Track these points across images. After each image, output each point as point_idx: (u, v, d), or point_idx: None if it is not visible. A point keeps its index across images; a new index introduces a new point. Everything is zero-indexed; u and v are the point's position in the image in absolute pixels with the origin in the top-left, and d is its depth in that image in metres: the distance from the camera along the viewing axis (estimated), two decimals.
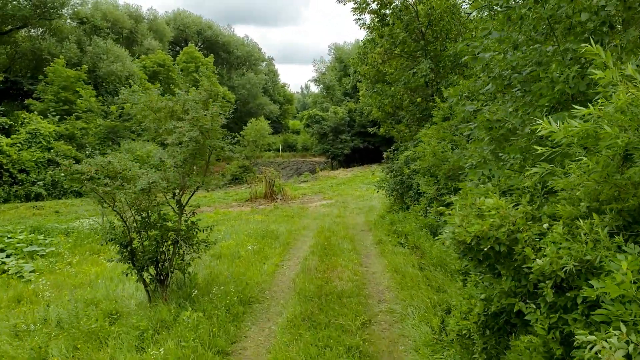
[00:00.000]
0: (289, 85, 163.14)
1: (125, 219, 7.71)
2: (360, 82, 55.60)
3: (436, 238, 9.07)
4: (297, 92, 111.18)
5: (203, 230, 8.87)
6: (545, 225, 3.69)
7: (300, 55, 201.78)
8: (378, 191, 18.27)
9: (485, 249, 3.80)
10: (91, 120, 35.72)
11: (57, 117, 34.34)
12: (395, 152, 17.91)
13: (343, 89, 60.25)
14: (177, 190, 8.50)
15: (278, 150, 61.57)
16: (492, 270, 4.20)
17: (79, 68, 38.66)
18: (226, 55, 74.79)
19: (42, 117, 33.69)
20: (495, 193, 4.61)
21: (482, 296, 4.70)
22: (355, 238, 14.34)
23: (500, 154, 5.22)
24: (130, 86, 41.05)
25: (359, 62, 17.67)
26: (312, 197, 28.75)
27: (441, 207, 4.97)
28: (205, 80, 53.87)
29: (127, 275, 7.98)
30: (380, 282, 9.40)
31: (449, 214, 4.62)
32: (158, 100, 8.69)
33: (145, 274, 8.27)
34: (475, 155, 5.26)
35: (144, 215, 8.11)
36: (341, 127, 50.59)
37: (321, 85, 68.26)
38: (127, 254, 7.86)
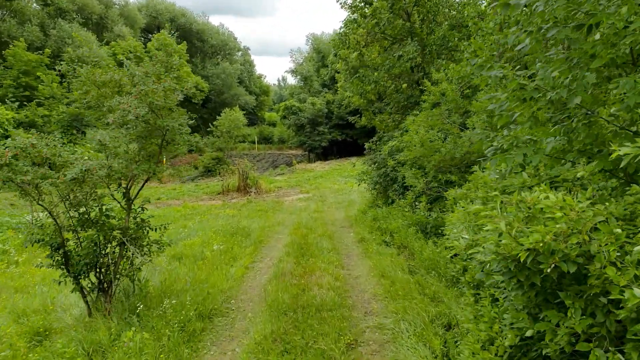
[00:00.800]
0: (266, 76, 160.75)
1: (55, 215, 6.24)
2: (338, 73, 54.27)
3: (445, 239, 7.84)
4: (274, 85, 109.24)
5: (156, 229, 7.44)
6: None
7: (276, 48, 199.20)
8: (359, 184, 17.02)
9: (548, 270, 2.52)
10: (54, 107, 33.55)
11: (17, 103, 32.07)
12: (378, 142, 16.67)
13: (321, 80, 58.82)
14: (124, 181, 7.05)
15: (253, 142, 59.92)
16: (544, 295, 2.94)
17: (41, 52, 36.36)
18: (200, 44, 72.52)
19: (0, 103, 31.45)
20: (538, 185, 3.37)
21: (517, 325, 3.44)
22: (334, 235, 13.05)
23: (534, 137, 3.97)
24: None
25: (340, 44, 16.37)
26: (289, 190, 27.38)
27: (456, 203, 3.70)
28: (161, 53, 51.70)
29: (60, 283, 6.51)
30: (366, 288, 8.13)
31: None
32: (102, 72, 7.21)
33: (85, 282, 6.84)
34: (508, 137, 3.99)
35: (81, 210, 6.65)
36: (319, 118, 49.20)
37: (298, 77, 66.67)
38: (59, 258, 6.40)
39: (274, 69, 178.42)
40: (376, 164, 14.87)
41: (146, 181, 7.37)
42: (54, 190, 6.16)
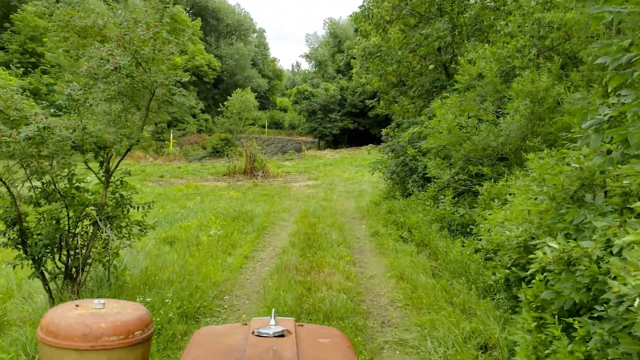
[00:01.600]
0: (279, 60, 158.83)
1: (9, 182, 5.08)
2: (354, 58, 52.70)
3: (475, 238, 6.62)
4: (288, 70, 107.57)
5: (138, 208, 6.28)
6: None
7: (292, 35, 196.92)
8: (373, 173, 15.78)
9: None
10: (60, 76, 32.38)
11: (22, 69, 30.98)
12: (397, 129, 15.41)
13: (336, 66, 57.34)
14: (101, 149, 5.88)
15: (264, 126, 58.75)
16: None
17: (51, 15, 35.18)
18: (215, 23, 71.11)
19: (4, 68, 30.42)
20: None
21: None
22: (345, 227, 11.87)
23: None
24: None
25: (362, 19, 15.04)
26: (297, 176, 26.21)
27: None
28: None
29: (14, 267, 5.37)
30: (382, 291, 6.95)
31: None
32: (83, 16, 5.99)
33: (51, 265, 5.70)
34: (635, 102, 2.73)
35: (45, 180, 5.50)
36: (331, 105, 47.85)
37: (313, 62, 65.17)
38: (14, 235, 5.26)
39: (288, 55, 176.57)
40: (394, 152, 13.63)
41: (128, 150, 6.18)
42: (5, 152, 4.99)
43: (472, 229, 8.30)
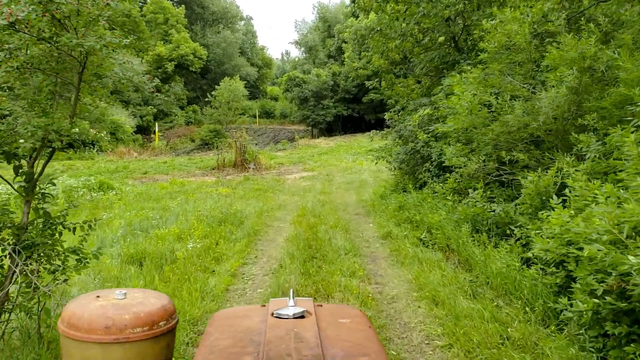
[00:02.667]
0: (268, 48, 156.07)
1: None
2: (346, 42, 50.76)
3: (522, 244, 4.98)
4: (277, 59, 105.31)
5: (74, 230, 4.56)
6: None
7: (281, 22, 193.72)
8: (376, 162, 14.10)
9: None
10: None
11: None
12: (401, 112, 13.74)
13: (327, 51, 55.36)
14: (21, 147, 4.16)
15: (254, 116, 56.89)
16: None
17: None
18: (200, 11, 68.75)
19: None
20: None
21: None
22: (350, 227, 10.23)
23: None
24: None
25: None
26: (291, 167, 24.52)
27: None
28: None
29: None
30: (411, 321, 5.32)
31: None
32: None
33: None
34: None
35: None
36: (324, 91, 45.96)
37: (302, 48, 63.15)
38: None
39: (277, 44, 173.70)
40: (402, 138, 11.96)
41: (53, 151, 4.47)
42: None
43: (513, 230, 6.70)
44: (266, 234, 9.84)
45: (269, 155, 28.99)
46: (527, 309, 5.21)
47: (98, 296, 1.86)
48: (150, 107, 42.27)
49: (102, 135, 28.41)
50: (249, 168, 23.17)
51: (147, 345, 1.74)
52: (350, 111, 47.16)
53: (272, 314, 2.20)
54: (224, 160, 23.51)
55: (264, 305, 2.39)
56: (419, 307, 5.66)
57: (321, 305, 2.44)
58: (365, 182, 18.21)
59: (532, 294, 5.33)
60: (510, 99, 8.01)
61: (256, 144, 44.81)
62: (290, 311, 2.19)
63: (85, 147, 26.92)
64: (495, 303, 5.56)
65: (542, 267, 5.47)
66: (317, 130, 47.66)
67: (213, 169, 23.58)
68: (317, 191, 16.77)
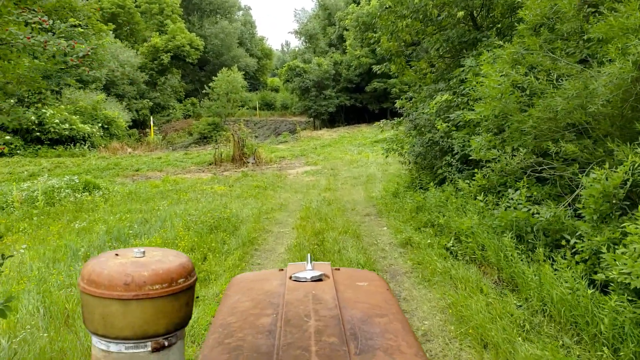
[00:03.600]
0: (268, 38, 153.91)
1: None
2: (347, 30, 49.10)
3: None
4: (277, 50, 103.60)
5: None
6: None
7: (280, 13, 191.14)
8: (387, 156, 12.72)
9: None
10: (14, 57, 28.90)
11: None
12: (413, 99, 12.36)
13: (327, 40, 53.71)
14: None
15: (255, 108, 55.43)
16: None
17: None
18: (197, 1, 67.12)
19: None
20: None
21: None
22: (361, 232, 8.88)
23: None
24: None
25: None
26: (292, 161, 23.15)
27: None
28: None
29: None
30: None
31: None
32: None
33: None
34: None
35: None
36: (325, 81, 44.42)
37: (302, 38, 61.44)
38: None
39: (277, 35, 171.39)
40: (417, 129, 10.55)
41: None
42: None
43: (568, 240, 5.35)
44: (264, 243, 8.49)
45: (270, 149, 27.62)
46: (605, 350, 3.88)
47: (117, 254, 1.72)
48: (146, 100, 40.88)
49: (95, 130, 27.10)
50: (248, 163, 21.82)
51: (166, 302, 1.57)
52: (353, 101, 45.63)
53: (290, 277, 2.24)
54: (221, 155, 22.15)
55: (282, 270, 2.43)
56: (461, 349, 4.31)
57: (339, 269, 2.46)
58: (373, 177, 16.85)
59: (614, 332, 3.99)
60: (558, 80, 6.62)
61: (256, 137, 43.57)
62: (308, 274, 2.23)
63: (75, 143, 25.55)
64: (561, 342, 4.22)
65: (624, 295, 4.14)
66: (319, 121, 46.20)
67: (210, 165, 22.24)
68: (322, 187, 15.42)
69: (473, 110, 9.50)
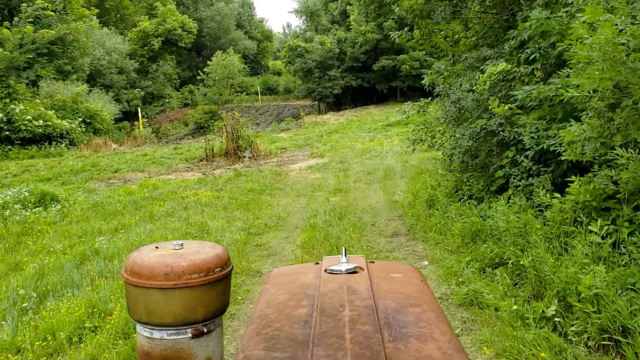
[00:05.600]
0: (267, 20, 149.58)
1: None
2: (350, 4, 45.64)
3: None
4: (279, 32, 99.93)
5: None
6: None
7: None
8: (413, 148, 9.72)
9: None
10: None
11: None
12: (444, 73, 9.35)
13: (330, 16, 50.18)
14: None
15: (257, 93, 52.35)
16: None
17: None
18: None
19: None
20: None
21: None
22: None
23: None
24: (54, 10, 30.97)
25: None
26: (295, 152, 20.18)
27: None
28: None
29: None
30: None
31: None
32: None
33: None
34: None
35: None
36: (329, 60, 41.06)
37: (303, 17, 57.89)
38: None
39: (278, 16, 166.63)
40: (461, 112, 7.50)
41: None
42: None
43: None
44: (247, 301, 5.60)
45: (270, 139, 24.65)
46: None
47: (157, 247, 1.93)
48: (137, 89, 37.92)
49: (74, 126, 24.28)
50: (244, 157, 18.89)
51: (204, 290, 1.75)
52: (360, 81, 42.29)
53: (325, 270, 2.28)
54: (212, 149, 19.22)
55: (317, 263, 2.46)
56: None
57: (373, 262, 2.48)
58: (392, 171, 13.89)
59: None
60: None
61: (258, 124, 40.53)
62: (343, 267, 2.26)
63: (51, 141, 22.73)
64: None
65: None
66: (324, 104, 42.98)
67: (201, 161, 19.33)
68: (330, 188, 12.51)
69: (542, 83, 6.53)
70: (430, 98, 9.93)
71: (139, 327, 1.67)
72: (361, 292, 1.98)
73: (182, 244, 1.87)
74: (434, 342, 1.65)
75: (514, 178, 6.46)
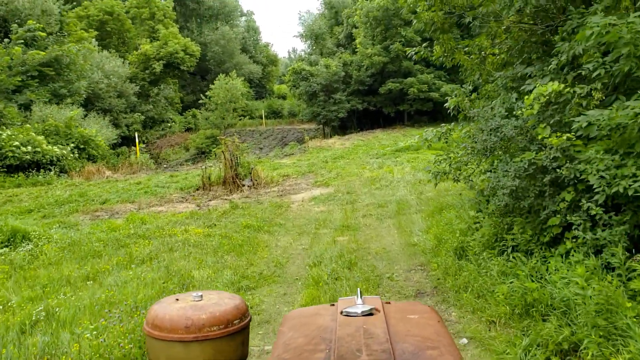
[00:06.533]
0: (272, 44, 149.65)
1: None
2: (356, 28, 44.76)
3: None
4: (284, 57, 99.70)
5: None
6: None
7: (287, 17, 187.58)
8: (437, 183, 8.24)
9: None
10: None
11: None
12: (473, 93, 7.98)
13: (335, 40, 49.36)
14: None
15: (262, 117, 51.36)
16: None
17: None
18: (195, 6, 63.43)
19: None
20: None
21: None
22: None
23: None
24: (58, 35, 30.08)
25: None
26: (298, 180, 18.77)
27: None
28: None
29: None
30: None
31: None
32: None
33: None
34: None
35: None
36: (334, 84, 39.94)
37: (309, 41, 57.13)
38: None
39: (283, 41, 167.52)
40: (502, 140, 6.02)
41: None
42: None
43: None
44: None
45: (272, 165, 23.28)
46: None
47: (177, 299, 1.93)
48: (137, 114, 36.82)
49: (65, 152, 23.02)
50: (243, 186, 17.49)
51: (223, 343, 1.82)
52: (366, 104, 41.09)
53: (342, 312, 2.24)
54: (209, 178, 17.83)
55: (333, 304, 2.42)
56: None
57: (389, 303, 2.44)
58: (406, 203, 12.44)
59: None
60: None
61: (261, 148, 39.29)
62: (359, 309, 2.23)
63: (40, 169, 21.44)
64: None
65: None
66: (330, 128, 41.73)
67: (197, 190, 17.93)
68: (336, 224, 11.07)
69: (603, 106, 5.18)
70: (452, 123, 8.53)
71: None
72: (378, 336, 1.97)
73: (201, 296, 1.94)
74: None
75: (575, 228, 5.00)
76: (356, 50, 41.56)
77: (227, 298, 1.96)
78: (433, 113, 40.55)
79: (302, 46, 75.09)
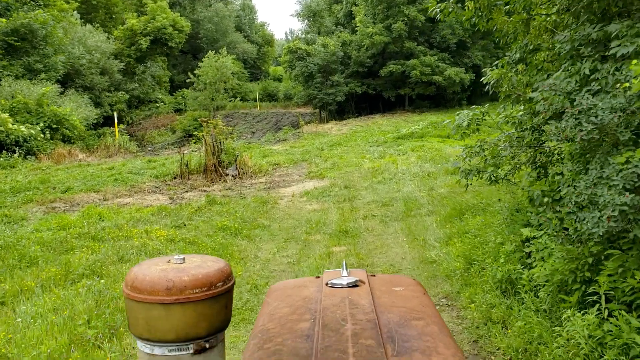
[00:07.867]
0: (269, 24, 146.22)
1: None
2: (356, 5, 42.31)
3: None
4: (282, 38, 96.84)
5: None
6: None
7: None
8: (469, 181, 6.11)
9: None
10: None
11: None
12: (519, 61, 5.87)
13: (334, 18, 46.80)
14: None
15: (256, 99, 49.02)
16: None
17: None
18: None
19: None
20: None
21: None
22: None
23: None
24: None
25: None
26: (290, 170, 16.65)
27: None
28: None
29: None
30: None
31: None
32: None
33: None
34: None
35: None
36: (332, 65, 37.52)
37: (306, 20, 54.56)
38: None
39: (281, 22, 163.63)
40: (589, 132, 3.95)
41: None
42: None
43: None
44: None
45: (262, 151, 21.14)
46: None
47: (158, 263, 1.87)
48: (121, 92, 34.45)
49: (34, 132, 20.78)
50: (227, 175, 15.37)
51: (206, 305, 1.72)
52: (365, 88, 38.74)
53: (327, 284, 2.22)
54: (187, 166, 15.69)
55: (319, 277, 2.39)
56: None
57: (374, 275, 2.41)
58: (415, 202, 10.39)
59: None
60: None
61: (253, 132, 37.00)
62: (344, 280, 2.21)
63: (3, 149, 19.23)
64: None
65: None
66: (326, 112, 39.42)
67: (174, 178, 15.81)
68: (332, 229, 9.01)
69: None
70: (487, 104, 6.43)
71: (139, 343, 1.62)
72: (363, 306, 1.97)
73: (183, 258, 1.80)
74: (438, 356, 1.63)
75: None
76: (356, 29, 39.08)
77: (210, 261, 1.83)
78: (435, 98, 38.40)
79: (299, 26, 72.36)
